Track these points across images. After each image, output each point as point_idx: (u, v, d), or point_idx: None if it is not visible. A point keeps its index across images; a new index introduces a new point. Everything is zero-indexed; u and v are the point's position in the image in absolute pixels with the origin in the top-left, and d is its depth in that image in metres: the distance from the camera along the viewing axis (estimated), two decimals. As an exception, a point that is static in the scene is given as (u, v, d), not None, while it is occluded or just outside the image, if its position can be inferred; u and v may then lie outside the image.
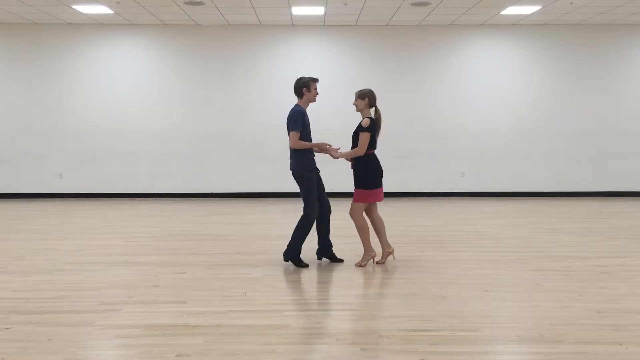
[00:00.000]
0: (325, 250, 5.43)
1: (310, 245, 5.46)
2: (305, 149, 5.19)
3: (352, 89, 10.32)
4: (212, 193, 10.66)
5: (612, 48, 10.52)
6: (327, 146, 5.19)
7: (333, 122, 9.75)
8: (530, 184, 10.75)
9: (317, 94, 5.25)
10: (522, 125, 10.62)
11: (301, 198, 5.25)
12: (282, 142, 10.28)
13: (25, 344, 3.31)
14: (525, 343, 3.35)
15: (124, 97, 10.43)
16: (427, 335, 3.44)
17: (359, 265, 5.22)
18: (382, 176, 5.24)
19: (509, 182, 10.74)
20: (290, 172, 5.24)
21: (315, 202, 5.22)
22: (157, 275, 4.92)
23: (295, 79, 5.29)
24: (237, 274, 4.96)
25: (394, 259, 5.42)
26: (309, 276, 4.96)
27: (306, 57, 10.41)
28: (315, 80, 5.25)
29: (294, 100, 5.31)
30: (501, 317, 3.83)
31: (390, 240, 5.45)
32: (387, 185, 10.64)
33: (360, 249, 5.37)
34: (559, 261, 5.40)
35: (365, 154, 5.11)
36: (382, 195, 5.29)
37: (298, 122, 5.08)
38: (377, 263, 5.33)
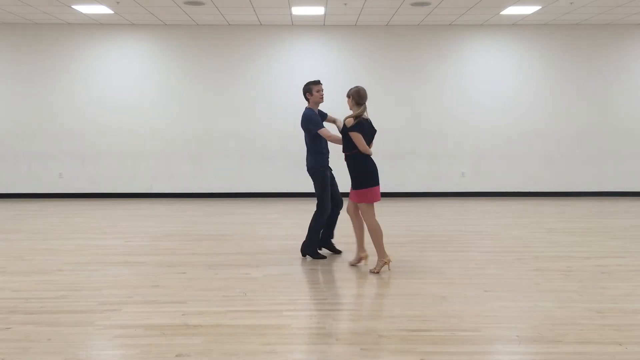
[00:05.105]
0: (324, 240, 5.62)
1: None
2: (320, 150, 5.39)
3: (352, 89, 10.50)
4: (212, 193, 10.66)
5: (612, 48, 10.52)
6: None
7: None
8: (530, 184, 10.75)
9: (322, 95, 5.45)
10: (522, 125, 10.62)
11: (316, 196, 5.46)
12: (281, 142, 10.43)
13: (25, 344, 3.31)
14: (525, 343, 3.35)
15: (124, 97, 10.43)
16: (427, 335, 3.44)
17: (373, 271, 4.98)
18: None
19: (509, 182, 10.74)
20: (307, 170, 5.47)
21: (328, 200, 5.40)
22: (157, 275, 4.92)
23: (304, 82, 5.57)
24: (237, 274, 4.96)
25: (366, 264, 5.31)
26: (309, 276, 4.96)
27: (306, 57, 10.41)
28: (317, 82, 5.46)
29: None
30: (501, 317, 3.83)
31: (390, 240, 5.44)
32: (388, 185, 10.82)
33: (352, 248, 5.36)
34: (559, 261, 5.40)
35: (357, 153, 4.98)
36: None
37: (315, 120, 5.32)
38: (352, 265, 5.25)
